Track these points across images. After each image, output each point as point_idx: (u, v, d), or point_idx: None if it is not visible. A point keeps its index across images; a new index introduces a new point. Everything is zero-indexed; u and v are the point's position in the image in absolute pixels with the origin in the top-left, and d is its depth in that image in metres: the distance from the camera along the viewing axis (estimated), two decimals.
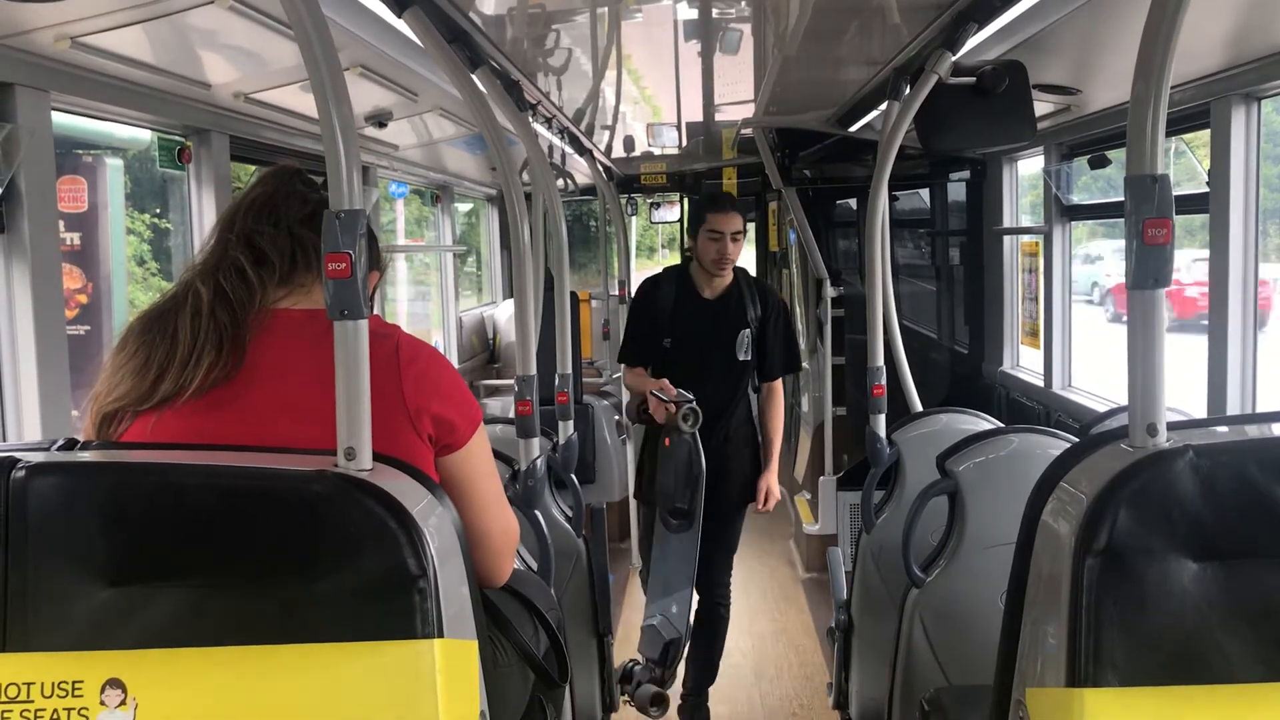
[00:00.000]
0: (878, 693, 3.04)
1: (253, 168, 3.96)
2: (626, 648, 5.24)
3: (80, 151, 3.41)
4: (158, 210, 4.24)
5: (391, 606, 1.40)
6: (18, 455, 1.45)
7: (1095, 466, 1.54)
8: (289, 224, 1.79)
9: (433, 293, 7.35)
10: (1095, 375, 5.06)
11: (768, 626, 5.54)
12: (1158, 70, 1.47)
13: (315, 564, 1.41)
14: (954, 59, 3.21)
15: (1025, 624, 1.60)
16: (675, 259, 10.81)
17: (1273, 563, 1.43)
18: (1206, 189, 3.42)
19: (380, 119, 4.26)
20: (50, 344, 2.58)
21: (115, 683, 1.38)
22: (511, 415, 3.19)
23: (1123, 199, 1.51)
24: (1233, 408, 3.31)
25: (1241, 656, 1.41)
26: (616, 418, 6.63)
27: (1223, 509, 1.44)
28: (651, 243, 23.80)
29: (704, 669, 4.29)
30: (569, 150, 6.07)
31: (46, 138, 2.59)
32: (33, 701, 1.38)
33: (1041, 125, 4.16)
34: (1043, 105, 4.16)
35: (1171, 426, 1.53)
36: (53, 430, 2.54)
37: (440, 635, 1.41)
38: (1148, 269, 1.50)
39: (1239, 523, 1.44)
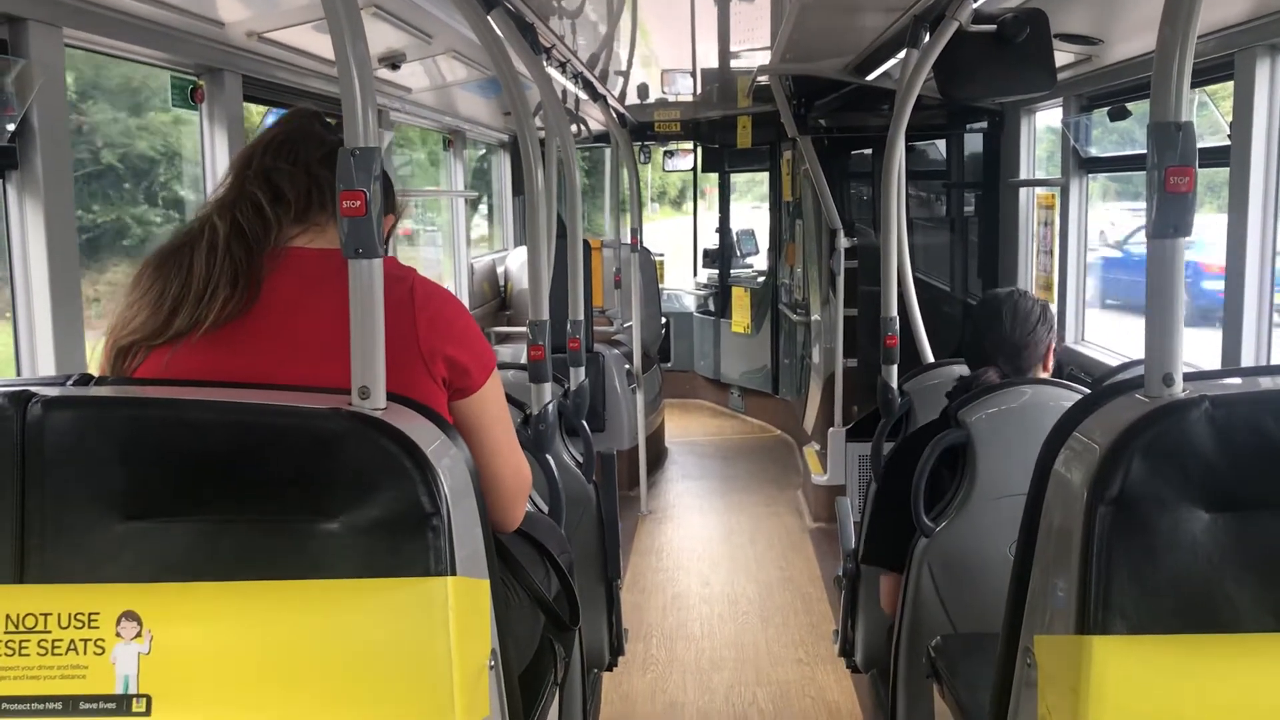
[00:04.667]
0: (883, 640, 3.06)
1: (262, 108, 3.94)
2: (634, 594, 5.31)
3: None
4: None
5: (405, 544, 1.41)
6: (34, 389, 1.45)
7: (1109, 416, 1.53)
8: (307, 163, 1.78)
9: (440, 239, 7.31)
10: None
11: (775, 574, 5.58)
12: (1185, 13, 1.44)
13: (329, 500, 1.42)
14: (975, 6, 3.17)
15: (1035, 572, 1.60)
16: (677, 214, 10.71)
17: None
18: (1228, 142, 3.38)
19: (394, 61, 4.23)
20: (64, 280, 2.58)
21: (130, 615, 1.39)
22: (523, 361, 3.18)
23: (1140, 152, 1.49)
24: (1248, 361, 3.29)
25: (1251, 607, 1.40)
26: (627, 366, 6.64)
27: (1237, 460, 1.43)
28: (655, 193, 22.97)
29: None
30: (583, 96, 6.03)
31: (59, 74, 2.57)
32: (49, 632, 1.40)
33: (1061, 76, 4.10)
34: (1063, 55, 4.10)
35: (1187, 378, 1.52)
36: (67, 365, 2.55)
37: (453, 573, 1.42)
38: (1168, 218, 1.48)
39: (1253, 474, 1.43)
